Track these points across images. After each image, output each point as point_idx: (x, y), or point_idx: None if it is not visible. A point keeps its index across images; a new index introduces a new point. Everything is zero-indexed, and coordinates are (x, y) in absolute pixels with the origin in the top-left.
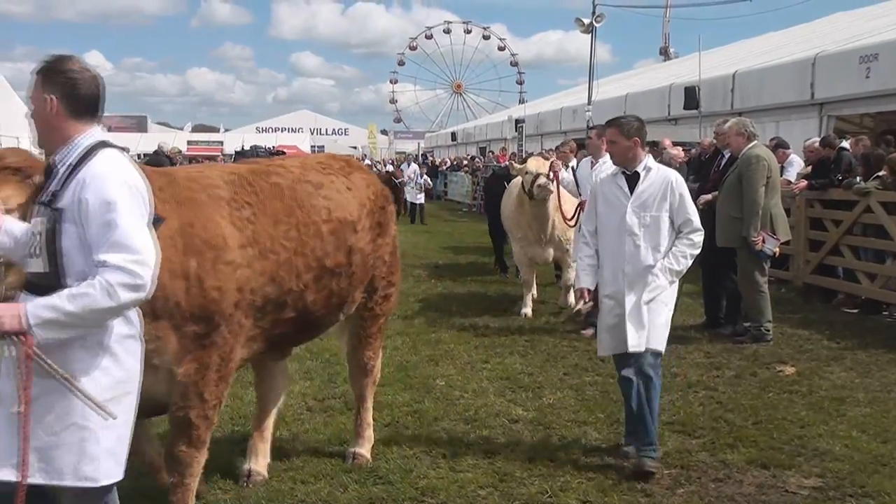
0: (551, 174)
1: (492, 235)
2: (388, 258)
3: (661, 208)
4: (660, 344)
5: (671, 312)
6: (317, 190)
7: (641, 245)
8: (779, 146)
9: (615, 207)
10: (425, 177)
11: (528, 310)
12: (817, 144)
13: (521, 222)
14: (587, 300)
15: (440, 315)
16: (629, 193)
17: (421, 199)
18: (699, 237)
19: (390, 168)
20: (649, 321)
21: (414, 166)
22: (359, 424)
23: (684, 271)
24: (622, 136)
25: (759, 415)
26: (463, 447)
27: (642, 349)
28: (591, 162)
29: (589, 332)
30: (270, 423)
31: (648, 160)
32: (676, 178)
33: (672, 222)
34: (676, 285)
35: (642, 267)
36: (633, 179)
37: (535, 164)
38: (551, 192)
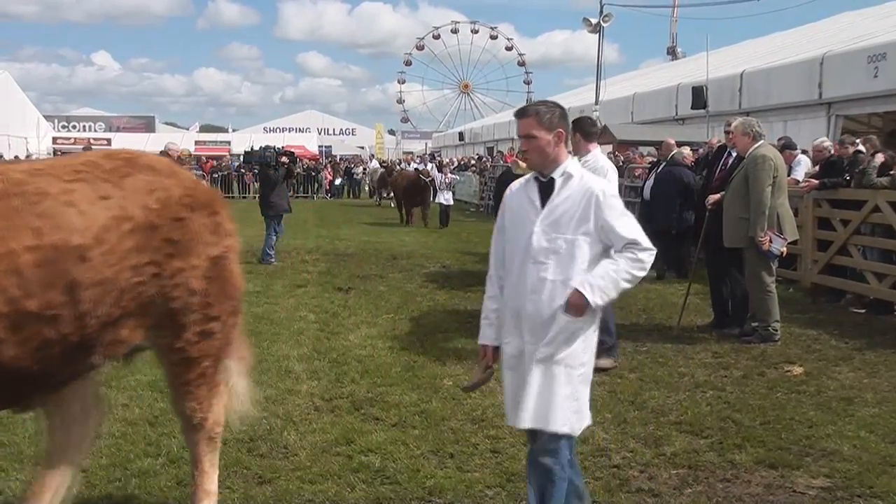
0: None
1: None
2: (200, 285)
3: (578, 230)
4: (562, 424)
5: (585, 378)
6: (29, 205)
7: (548, 278)
8: (786, 147)
9: (522, 225)
10: (451, 175)
11: None
12: (825, 144)
13: None
14: (490, 365)
15: (448, 315)
16: (540, 207)
17: (450, 199)
18: (648, 256)
19: (419, 166)
20: (548, 389)
21: (431, 165)
22: (193, 493)
23: (615, 296)
24: (541, 127)
25: (767, 415)
26: (470, 447)
27: (535, 426)
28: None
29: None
30: (62, 478)
31: (570, 164)
32: (604, 191)
33: (597, 249)
34: (593, 340)
35: (546, 309)
36: (547, 189)
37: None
38: None
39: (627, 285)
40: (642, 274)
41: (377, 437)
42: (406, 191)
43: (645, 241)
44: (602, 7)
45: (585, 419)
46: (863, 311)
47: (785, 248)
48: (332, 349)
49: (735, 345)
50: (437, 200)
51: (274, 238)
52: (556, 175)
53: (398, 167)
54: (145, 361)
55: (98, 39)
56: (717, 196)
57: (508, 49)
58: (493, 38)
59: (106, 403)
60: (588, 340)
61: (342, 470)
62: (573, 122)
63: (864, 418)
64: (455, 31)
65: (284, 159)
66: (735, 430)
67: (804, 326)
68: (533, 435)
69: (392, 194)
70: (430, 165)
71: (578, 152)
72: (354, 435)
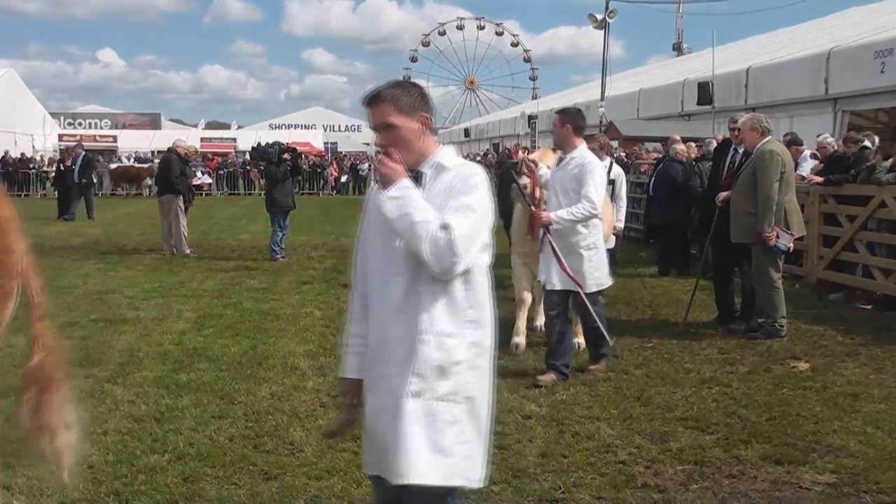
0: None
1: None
2: None
3: None
4: (432, 476)
5: (474, 414)
6: None
7: (420, 291)
8: (793, 143)
9: (386, 232)
10: None
11: (520, 339)
12: (829, 140)
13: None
14: (355, 403)
15: None
16: None
17: None
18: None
19: None
20: (421, 431)
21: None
22: None
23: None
24: (402, 113)
25: (772, 411)
26: None
27: (406, 481)
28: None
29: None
30: None
31: (443, 154)
32: (470, 178)
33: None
34: (482, 364)
35: (404, 332)
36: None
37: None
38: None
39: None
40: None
41: None
42: None
43: (460, 242)
44: (607, 3)
45: (475, 469)
46: (869, 306)
47: (792, 244)
48: (338, 345)
49: (741, 341)
50: None
51: (280, 235)
52: (426, 168)
53: None
54: (152, 358)
55: (103, 36)
56: (727, 193)
57: (514, 45)
58: (499, 34)
59: (112, 400)
60: (475, 366)
61: (348, 466)
62: (562, 112)
63: (871, 414)
64: (461, 28)
65: (287, 156)
66: (741, 426)
67: (810, 322)
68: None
69: None
70: None
71: (565, 147)
72: (359, 431)
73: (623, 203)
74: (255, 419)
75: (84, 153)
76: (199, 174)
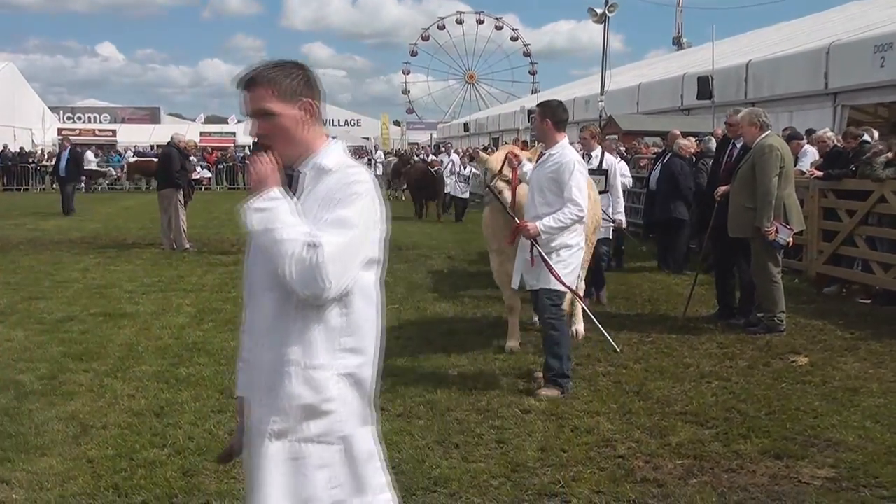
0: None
1: None
2: None
3: None
4: None
5: (356, 457)
6: None
7: (290, 313)
8: (792, 137)
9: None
10: (470, 167)
11: (514, 343)
12: (828, 135)
13: (497, 230)
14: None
15: (452, 306)
16: None
17: (466, 193)
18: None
19: (431, 157)
20: (268, 481)
21: (455, 157)
22: None
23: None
24: (280, 98)
25: (772, 405)
26: (475, 437)
27: None
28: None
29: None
30: None
31: (328, 152)
32: (352, 185)
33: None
34: (350, 398)
35: (271, 358)
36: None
37: (494, 160)
38: (506, 201)
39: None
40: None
41: (382, 427)
42: (417, 183)
43: (329, 266)
44: None
45: None
46: (868, 301)
47: (791, 239)
48: None
49: (740, 335)
50: (451, 193)
51: None
52: (306, 167)
53: (415, 158)
54: (152, 352)
55: (102, 30)
56: (726, 188)
57: (514, 39)
58: (499, 28)
59: (111, 394)
60: (350, 400)
61: None
62: (541, 106)
63: (870, 408)
64: (460, 22)
65: None
66: (740, 421)
67: (809, 317)
68: None
69: (407, 187)
70: (454, 156)
71: (545, 142)
72: None
73: (619, 193)
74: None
75: (70, 147)
76: (198, 168)
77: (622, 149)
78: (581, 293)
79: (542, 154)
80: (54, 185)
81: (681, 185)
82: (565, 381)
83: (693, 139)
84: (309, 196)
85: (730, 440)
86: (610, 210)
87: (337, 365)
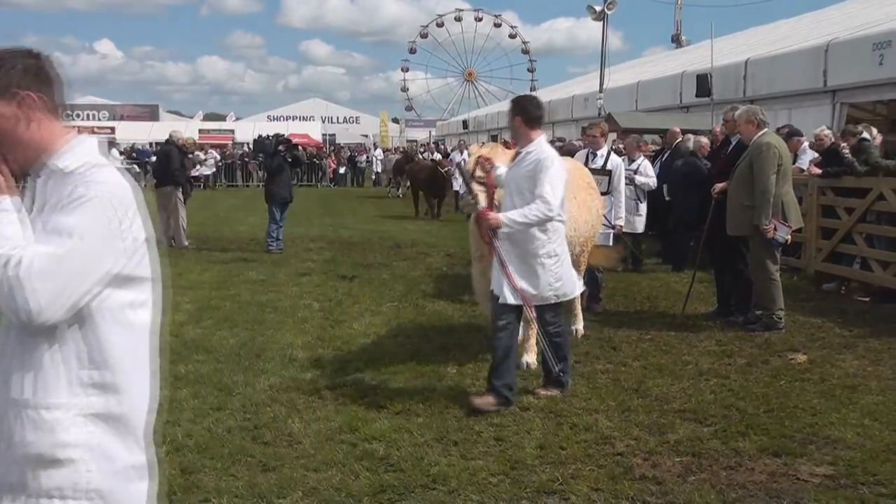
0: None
1: None
2: None
3: None
4: None
5: None
6: None
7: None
8: (792, 134)
9: None
10: None
11: (530, 358)
12: (825, 132)
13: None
14: None
15: (451, 304)
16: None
17: None
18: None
19: (438, 156)
20: None
21: (460, 157)
22: None
23: None
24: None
25: (770, 403)
26: (474, 435)
27: None
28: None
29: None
30: None
31: (70, 153)
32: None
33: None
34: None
35: (1, 394)
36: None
37: (471, 163)
38: (477, 209)
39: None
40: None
41: (381, 424)
42: (426, 182)
43: (30, 283)
44: None
45: None
46: (867, 299)
47: (790, 237)
48: (337, 337)
49: (739, 333)
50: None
51: (275, 227)
52: (40, 172)
53: (423, 156)
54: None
55: (101, 28)
56: (723, 185)
57: (512, 37)
58: (497, 25)
59: None
60: (103, 448)
61: (346, 458)
62: (514, 102)
63: (868, 406)
64: (459, 19)
65: (281, 148)
66: (739, 418)
67: (808, 314)
68: None
69: (409, 184)
70: (465, 154)
71: (520, 141)
72: (358, 423)
73: (622, 197)
74: (254, 411)
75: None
76: (199, 166)
77: (620, 146)
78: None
79: (517, 154)
80: None
81: (699, 185)
82: (567, 377)
83: (691, 136)
84: (46, 205)
85: (728, 438)
86: (612, 215)
87: (78, 404)
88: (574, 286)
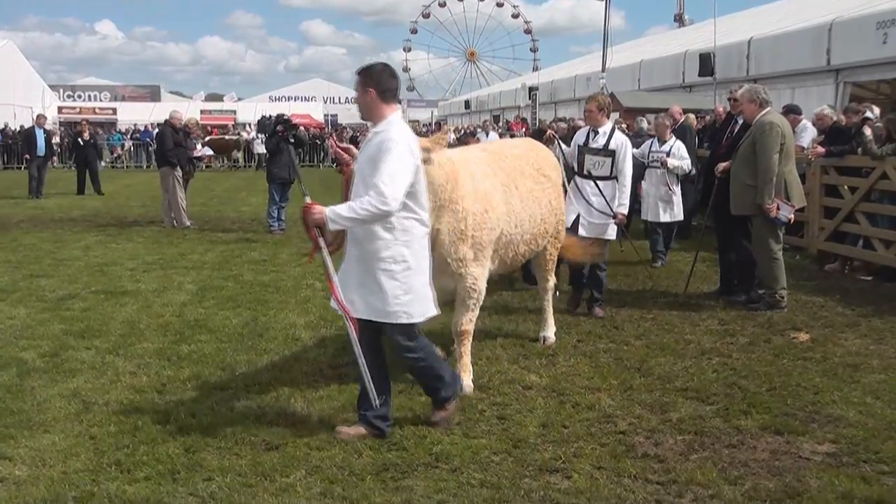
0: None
1: None
2: None
3: None
4: None
5: None
6: None
7: None
8: (790, 112)
9: None
10: None
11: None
12: (826, 112)
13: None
14: None
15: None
16: None
17: None
18: None
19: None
20: None
21: (493, 135)
22: None
23: None
24: None
25: (772, 381)
26: (476, 413)
27: None
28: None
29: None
30: None
31: None
32: None
33: None
34: None
35: None
36: None
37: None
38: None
39: None
40: None
41: None
42: None
43: None
44: None
45: None
46: (869, 278)
47: (792, 216)
48: (339, 317)
49: (741, 312)
50: None
51: (275, 207)
52: None
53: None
54: (153, 330)
55: (101, 8)
56: (727, 164)
57: (514, 16)
58: (500, 5)
59: (113, 371)
60: None
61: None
62: (363, 72)
63: (870, 384)
64: None
65: (279, 128)
66: (741, 397)
67: (811, 293)
68: None
69: None
70: (493, 135)
71: (371, 118)
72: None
73: (627, 181)
74: (257, 390)
75: (43, 128)
76: (198, 146)
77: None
78: (552, 291)
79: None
80: (54, 165)
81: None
82: (453, 394)
83: (692, 116)
84: None
85: (730, 416)
86: (615, 203)
87: None
88: (427, 307)
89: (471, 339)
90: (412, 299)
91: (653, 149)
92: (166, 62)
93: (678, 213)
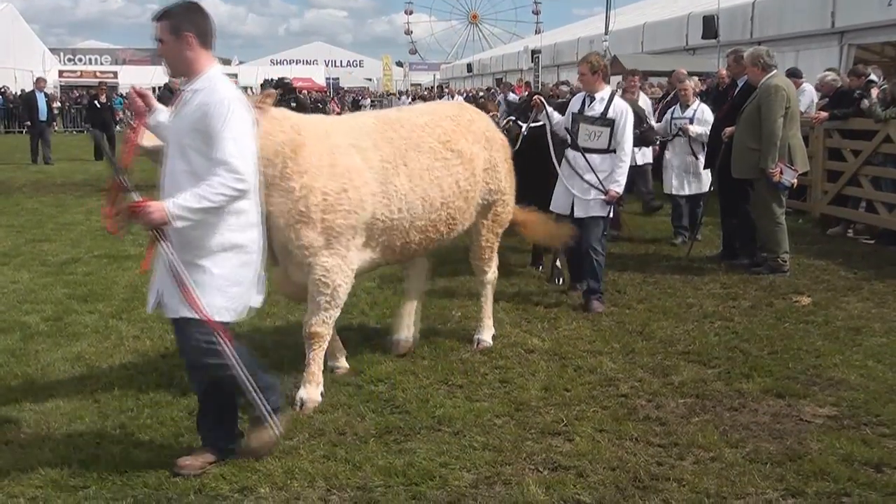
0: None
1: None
2: None
3: None
4: None
5: None
6: None
7: None
8: (791, 75)
9: None
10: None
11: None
12: (829, 77)
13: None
14: None
15: (457, 247)
16: None
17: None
18: None
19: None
20: None
21: (513, 96)
22: None
23: None
24: None
25: (774, 345)
26: (479, 377)
27: None
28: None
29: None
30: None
31: None
32: None
33: None
34: None
35: None
36: None
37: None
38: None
39: None
40: None
41: (386, 367)
42: None
43: None
44: None
45: None
46: (872, 241)
47: (795, 180)
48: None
49: (743, 275)
50: None
51: None
52: None
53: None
54: None
55: None
56: (733, 128)
57: None
58: None
59: (117, 335)
60: None
61: (352, 399)
62: (170, 11)
63: (872, 348)
64: None
65: (279, 91)
66: (743, 360)
67: (813, 257)
68: None
69: None
70: (512, 96)
71: (183, 71)
72: (364, 365)
73: (625, 155)
74: (260, 354)
75: (43, 92)
76: None
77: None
78: (490, 285)
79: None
80: (55, 129)
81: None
82: (272, 413)
83: (696, 79)
84: None
85: (732, 379)
86: (610, 179)
87: None
88: (255, 296)
89: (325, 343)
90: (241, 291)
91: (675, 115)
92: None
93: (704, 184)
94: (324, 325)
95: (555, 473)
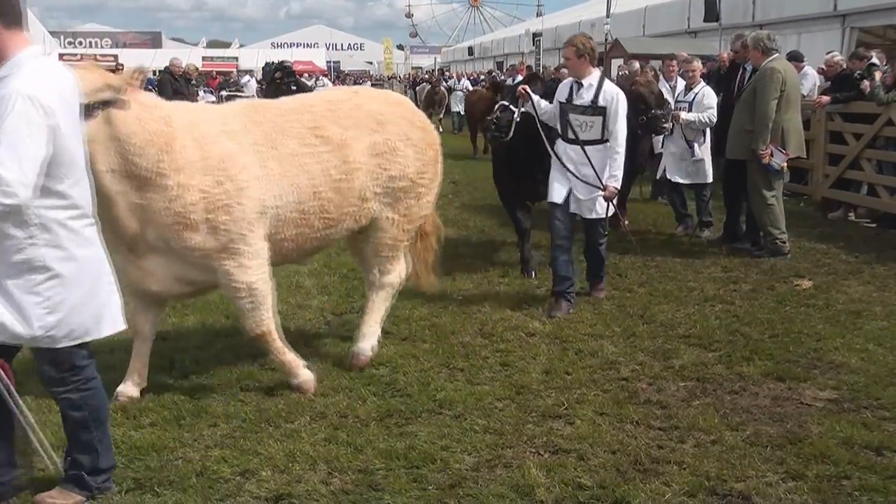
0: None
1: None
2: None
3: None
4: None
5: None
6: None
7: None
8: (792, 59)
9: None
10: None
11: (124, 388)
12: (836, 59)
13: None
14: None
15: (457, 230)
16: None
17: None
18: None
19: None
20: None
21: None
22: None
23: None
24: None
25: (775, 328)
26: (480, 360)
27: None
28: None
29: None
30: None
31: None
32: None
33: None
34: None
35: None
36: None
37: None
38: None
39: None
40: None
41: (387, 350)
42: (484, 115)
43: None
44: None
45: None
46: (873, 225)
47: (785, 164)
48: (343, 265)
49: (745, 259)
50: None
51: None
52: None
53: (458, 84)
54: None
55: None
56: None
57: None
58: None
59: None
60: None
61: (353, 383)
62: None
63: (872, 331)
64: None
65: (278, 75)
66: (743, 344)
67: (814, 241)
68: None
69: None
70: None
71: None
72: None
73: (619, 146)
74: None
75: None
76: (200, 93)
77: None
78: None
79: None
80: None
81: None
82: (100, 479)
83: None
84: None
85: (733, 363)
86: (606, 174)
87: None
88: (87, 328)
89: (275, 338)
90: (61, 319)
91: (678, 98)
92: (167, 8)
93: (703, 175)
94: (262, 324)
95: (555, 456)
